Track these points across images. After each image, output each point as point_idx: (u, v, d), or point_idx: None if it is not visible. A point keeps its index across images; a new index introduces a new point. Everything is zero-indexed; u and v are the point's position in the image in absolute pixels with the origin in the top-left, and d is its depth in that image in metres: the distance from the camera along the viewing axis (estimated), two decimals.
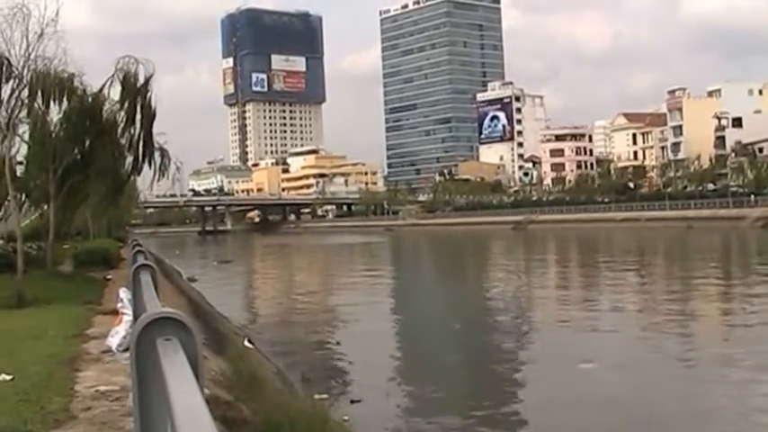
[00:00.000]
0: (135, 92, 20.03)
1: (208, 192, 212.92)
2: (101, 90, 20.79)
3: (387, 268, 50.88)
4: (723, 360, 15.40)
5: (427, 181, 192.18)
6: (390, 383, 14.97)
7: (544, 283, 34.53)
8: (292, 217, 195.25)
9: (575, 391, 13.59)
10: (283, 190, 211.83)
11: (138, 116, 20.40)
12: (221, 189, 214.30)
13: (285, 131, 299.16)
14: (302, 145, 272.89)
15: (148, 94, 20.32)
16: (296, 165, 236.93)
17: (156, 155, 21.14)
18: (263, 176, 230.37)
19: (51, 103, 20.71)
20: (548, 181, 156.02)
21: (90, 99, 20.85)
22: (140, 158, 20.86)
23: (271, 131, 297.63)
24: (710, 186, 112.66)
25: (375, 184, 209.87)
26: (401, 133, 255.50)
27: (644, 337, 18.73)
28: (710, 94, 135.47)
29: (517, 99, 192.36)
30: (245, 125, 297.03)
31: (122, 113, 20.47)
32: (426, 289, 36.72)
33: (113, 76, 20.23)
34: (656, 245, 63.68)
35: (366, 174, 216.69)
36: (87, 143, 20.97)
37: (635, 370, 15.45)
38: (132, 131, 20.61)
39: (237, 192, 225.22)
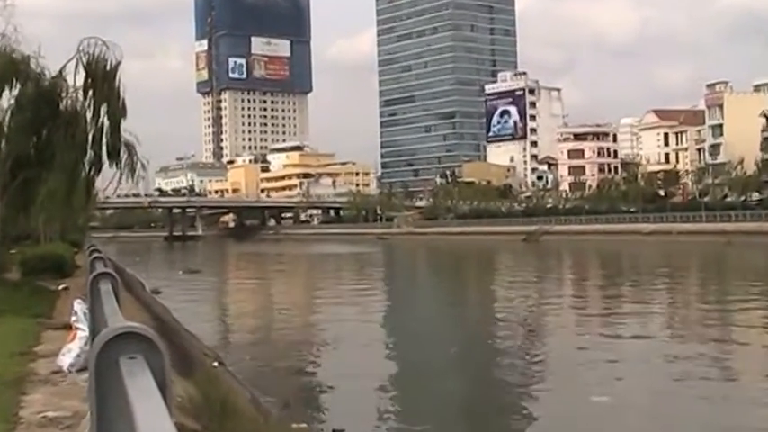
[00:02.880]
0: (101, 79, 20.01)
1: (176, 192, 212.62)
2: (60, 74, 20.75)
3: (377, 283, 51.04)
4: (759, 405, 15.43)
5: (426, 184, 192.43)
6: (376, 412, 15.08)
7: (558, 306, 34.62)
8: (272, 222, 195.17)
9: (583, 426, 13.73)
10: (262, 191, 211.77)
11: (105, 107, 20.38)
12: (191, 189, 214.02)
13: (266, 125, 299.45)
14: (285, 140, 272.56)
15: (116, 82, 20.30)
16: (277, 163, 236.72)
17: (122, 151, 21.14)
18: (240, 175, 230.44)
19: (2, 86, 20.75)
20: (565, 186, 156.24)
21: (47, 84, 20.84)
22: (105, 155, 20.87)
23: (249, 124, 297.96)
24: (755, 196, 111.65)
25: (367, 186, 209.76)
26: (397, 129, 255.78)
27: (668, 371, 18.77)
28: (757, 88, 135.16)
29: (531, 92, 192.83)
30: (221, 117, 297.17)
31: (86, 103, 20.44)
32: (421, 308, 36.84)
33: (76, 58, 20.19)
34: (689, 263, 63.69)
35: (357, 174, 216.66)
36: (44, 134, 20.97)
37: (653, 407, 15.54)
38: (97, 124, 20.59)
39: (210, 192, 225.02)
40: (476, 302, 39.15)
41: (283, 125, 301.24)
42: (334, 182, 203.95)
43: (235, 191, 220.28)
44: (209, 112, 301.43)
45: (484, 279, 54.06)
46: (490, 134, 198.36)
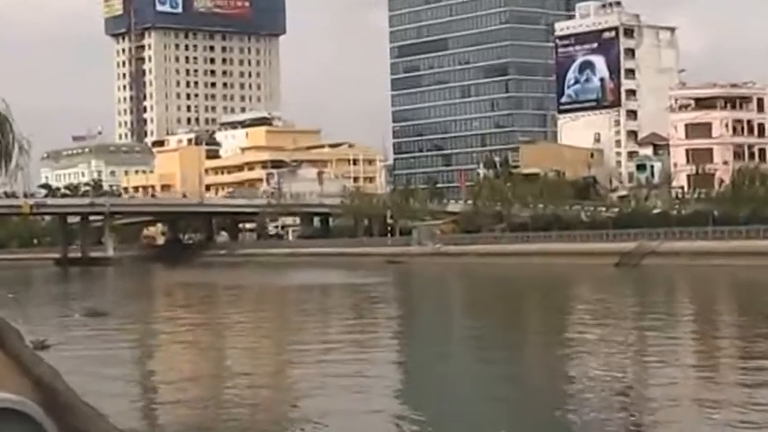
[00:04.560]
0: None
1: (73, 189, 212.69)
2: None
3: (383, 335, 50.73)
4: None
5: (464, 177, 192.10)
6: None
7: (671, 382, 34.19)
8: (224, 236, 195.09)
9: None
10: (208, 188, 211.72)
11: None
12: (97, 185, 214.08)
13: (214, 84, 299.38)
14: (244, 109, 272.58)
15: None
16: (232, 144, 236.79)
17: None
18: (174, 164, 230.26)
19: None
20: (681, 180, 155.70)
21: None
22: None
23: (188, 84, 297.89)
24: None
25: (371, 180, 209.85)
26: (418, 92, 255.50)
27: None
28: None
29: (628, 33, 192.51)
30: (143, 72, 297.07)
31: None
32: (455, 380, 36.62)
33: None
34: None
35: (355, 163, 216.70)
36: None
37: None
38: None
39: (127, 190, 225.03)
40: (543, 368, 38.83)
41: (241, 85, 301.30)
42: (320, 174, 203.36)
43: (166, 188, 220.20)
44: (124, 65, 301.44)
45: (557, 335, 53.24)
46: (563, 100, 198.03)
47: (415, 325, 62.77)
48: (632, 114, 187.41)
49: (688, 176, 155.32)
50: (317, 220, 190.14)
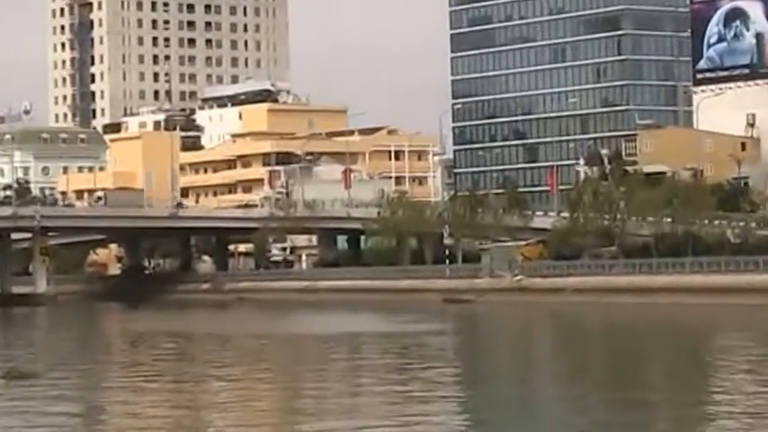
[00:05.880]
0: None
1: None
2: None
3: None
4: None
5: (556, 178, 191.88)
6: None
7: None
8: (207, 263, 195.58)
9: None
10: (185, 194, 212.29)
11: None
12: (23, 189, 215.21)
13: (193, 42, 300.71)
14: (236, 78, 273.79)
15: None
16: (219, 129, 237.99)
17: None
18: (134, 157, 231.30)
19: None
20: None
21: None
22: None
23: (155, 43, 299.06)
24: None
25: (421, 183, 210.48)
26: (490, 56, 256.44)
27: None
28: None
29: None
30: (91, 24, 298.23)
31: None
32: None
33: None
34: None
35: (398, 157, 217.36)
36: None
37: None
38: None
39: (67, 195, 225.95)
40: None
41: (233, 44, 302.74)
42: (347, 173, 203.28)
43: (121, 190, 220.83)
44: (63, 13, 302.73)
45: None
46: (701, 65, 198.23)
47: (492, 416, 60.24)
48: None
49: None
50: (342, 240, 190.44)
